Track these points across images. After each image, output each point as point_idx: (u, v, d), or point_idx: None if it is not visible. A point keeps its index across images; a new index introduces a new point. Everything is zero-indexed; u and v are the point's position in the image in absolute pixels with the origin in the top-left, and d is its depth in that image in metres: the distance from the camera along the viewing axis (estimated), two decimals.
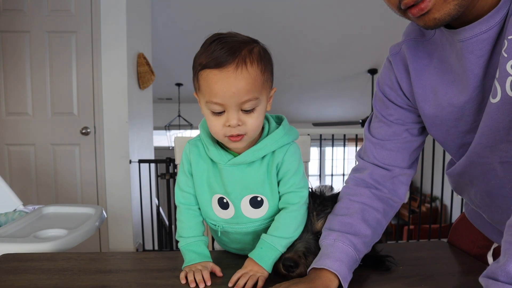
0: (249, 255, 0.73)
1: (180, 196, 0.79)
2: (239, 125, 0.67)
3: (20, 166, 2.78)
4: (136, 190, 3.03)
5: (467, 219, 0.88)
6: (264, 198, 0.76)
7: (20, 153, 2.77)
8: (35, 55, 2.71)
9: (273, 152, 0.74)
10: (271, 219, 0.77)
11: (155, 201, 3.44)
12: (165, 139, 6.62)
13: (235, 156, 0.73)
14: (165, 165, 3.04)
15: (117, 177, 2.85)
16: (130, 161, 2.89)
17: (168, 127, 6.24)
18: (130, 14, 2.84)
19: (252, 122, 0.68)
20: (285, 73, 5.15)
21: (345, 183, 0.82)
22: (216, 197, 0.77)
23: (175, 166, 3.02)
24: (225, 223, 0.79)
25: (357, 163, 0.83)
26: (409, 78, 0.72)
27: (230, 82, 0.64)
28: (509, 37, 0.55)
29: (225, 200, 0.77)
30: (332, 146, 3.77)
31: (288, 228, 0.74)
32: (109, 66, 2.76)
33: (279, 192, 0.77)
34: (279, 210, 0.77)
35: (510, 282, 0.46)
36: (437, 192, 6.01)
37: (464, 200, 0.85)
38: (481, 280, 0.50)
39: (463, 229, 0.89)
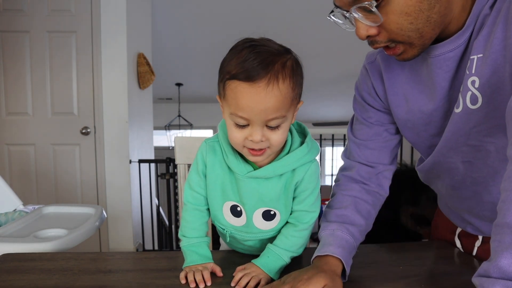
0: (253, 261, 0.73)
1: (190, 195, 0.77)
2: (262, 140, 0.65)
3: (20, 166, 2.78)
4: (136, 190, 3.04)
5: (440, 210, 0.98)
6: (277, 212, 0.75)
7: (20, 153, 2.77)
8: (35, 55, 2.71)
9: (294, 169, 0.72)
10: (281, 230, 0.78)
11: (155, 201, 3.45)
12: (165, 139, 6.63)
13: (254, 168, 0.72)
14: (165, 165, 3.04)
15: (117, 177, 2.85)
16: (130, 161, 2.89)
17: (168, 127, 6.24)
18: (130, 14, 2.84)
19: (276, 139, 0.66)
20: None
21: (335, 181, 0.88)
22: (228, 204, 0.76)
23: (175, 166, 3.02)
24: (234, 230, 0.78)
25: (343, 163, 0.90)
26: (384, 85, 0.79)
27: (260, 99, 0.61)
28: (471, 57, 0.63)
29: (239, 209, 0.76)
30: (332, 146, 3.77)
31: (295, 244, 0.75)
32: (109, 66, 2.76)
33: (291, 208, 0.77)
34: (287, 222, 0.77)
35: (502, 277, 0.47)
36: None
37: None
38: (474, 280, 0.52)
39: (439, 217, 0.99)
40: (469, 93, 0.64)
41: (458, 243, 0.90)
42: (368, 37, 0.64)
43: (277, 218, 0.76)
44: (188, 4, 3.81)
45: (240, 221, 0.77)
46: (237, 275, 0.70)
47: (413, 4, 0.58)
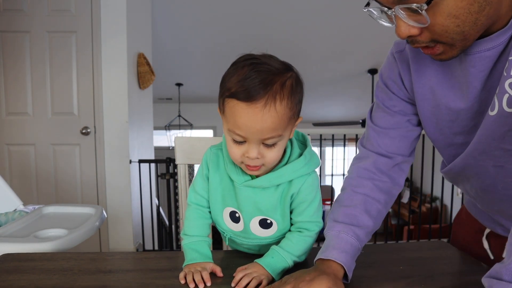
0: (256, 260, 0.73)
1: (193, 197, 0.79)
2: (257, 158, 0.66)
3: (20, 166, 2.78)
4: (136, 190, 3.03)
5: (466, 208, 0.96)
6: (273, 221, 0.76)
7: (20, 153, 2.77)
8: (35, 55, 2.71)
9: (290, 181, 0.73)
10: (279, 238, 0.78)
11: (155, 201, 3.44)
12: (165, 139, 6.62)
13: (252, 178, 0.73)
14: (165, 165, 3.04)
15: (117, 177, 2.85)
16: (130, 161, 2.89)
17: (168, 127, 6.24)
18: (130, 14, 2.84)
19: (271, 156, 0.67)
20: None
21: (348, 173, 0.84)
22: (228, 209, 0.78)
23: (175, 166, 3.02)
24: (233, 234, 0.80)
25: (358, 151, 0.87)
26: (411, 76, 0.76)
27: (256, 120, 0.62)
28: (510, 58, 0.60)
29: (237, 215, 0.77)
30: (332, 146, 3.77)
31: (299, 249, 0.74)
32: (109, 66, 2.76)
33: (291, 219, 0.77)
34: (288, 231, 0.78)
35: None
36: (437, 192, 6.00)
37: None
38: (484, 280, 0.51)
39: (463, 216, 0.97)
40: (506, 96, 0.60)
41: (485, 244, 0.88)
42: (409, 36, 0.61)
43: (274, 227, 0.76)
44: (188, 4, 3.81)
45: (238, 227, 0.78)
46: (238, 275, 0.69)
47: (463, 6, 0.55)
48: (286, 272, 0.72)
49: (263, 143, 0.66)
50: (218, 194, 0.77)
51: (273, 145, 0.66)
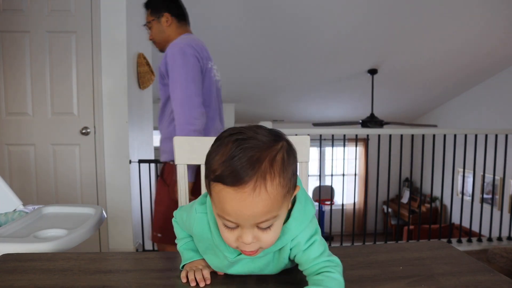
0: None
1: (178, 217, 0.78)
2: (253, 242, 0.60)
3: (20, 166, 2.78)
4: (136, 190, 3.03)
5: None
6: (268, 274, 0.73)
7: (20, 153, 2.77)
8: (35, 55, 2.71)
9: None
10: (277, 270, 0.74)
11: None
12: None
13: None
14: None
15: (117, 177, 2.85)
16: (130, 161, 2.89)
17: None
18: (130, 14, 2.84)
19: (268, 239, 0.61)
20: (285, 73, 5.15)
21: None
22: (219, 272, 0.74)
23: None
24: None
25: None
26: None
27: (246, 205, 0.56)
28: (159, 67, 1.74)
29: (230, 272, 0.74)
30: (332, 146, 3.77)
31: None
32: (109, 66, 2.76)
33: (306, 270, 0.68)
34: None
35: None
36: (437, 192, 6.01)
37: None
38: None
39: None
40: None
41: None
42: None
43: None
44: (188, 4, 3.81)
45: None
46: None
47: (161, 29, 1.91)
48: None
49: (257, 227, 0.59)
50: (206, 255, 0.73)
51: (268, 227, 0.60)
